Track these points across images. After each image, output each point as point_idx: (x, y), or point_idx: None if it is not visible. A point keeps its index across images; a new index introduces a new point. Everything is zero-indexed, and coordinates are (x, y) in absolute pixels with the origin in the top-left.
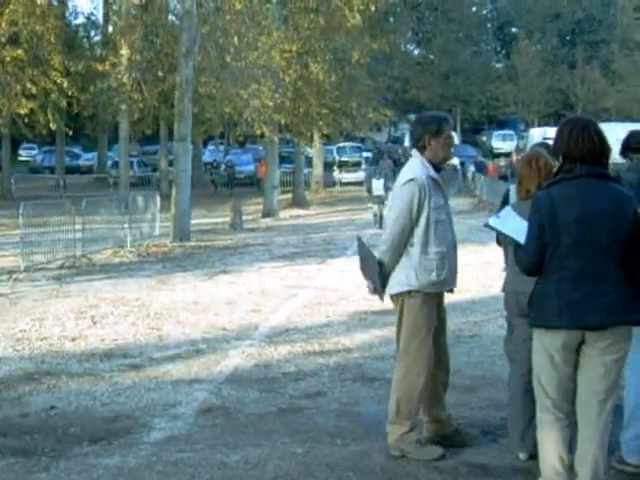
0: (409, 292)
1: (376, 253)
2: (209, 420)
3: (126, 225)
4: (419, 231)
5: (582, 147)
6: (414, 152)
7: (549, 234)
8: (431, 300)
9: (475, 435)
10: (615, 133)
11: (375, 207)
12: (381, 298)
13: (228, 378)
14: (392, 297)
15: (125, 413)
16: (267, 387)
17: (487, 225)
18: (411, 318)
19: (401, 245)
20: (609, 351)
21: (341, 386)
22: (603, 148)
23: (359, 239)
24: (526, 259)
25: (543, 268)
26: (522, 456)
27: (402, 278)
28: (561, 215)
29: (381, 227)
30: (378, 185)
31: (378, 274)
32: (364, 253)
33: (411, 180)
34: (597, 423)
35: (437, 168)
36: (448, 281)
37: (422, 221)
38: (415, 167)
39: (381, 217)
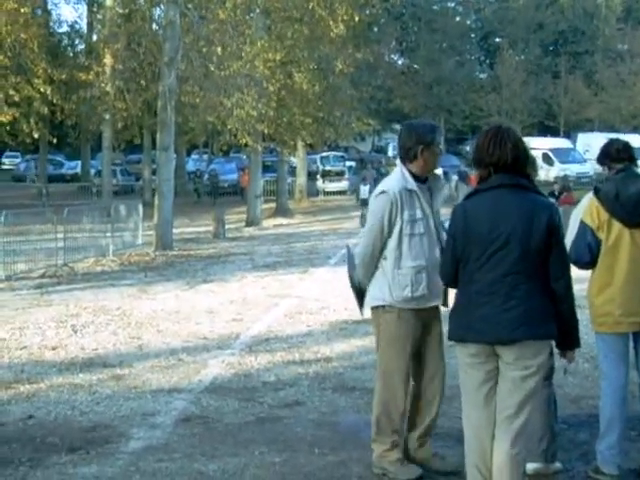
0: (384, 307)
1: None
2: (188, 429)
3: (108, 234)
4: (392, 244)
5: (493, 154)
6: (397, 162)
7: (461, 247)
8: (408, 316)
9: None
10: (598, 143)
11: (362, 210)
12: (360, 311)
13: (207, 387)
14: (371, 311)
15: (104, 422)
16: (246, 396)
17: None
18: (386, 333)
19: (374, 258)
20: (517, 367)
21: (320, 395)
22: (517, 155)
23: (348, 248)
24: (442, 271)
25: (458, 280)
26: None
27: (377, 292)
28: (472, 228)
29: (363, 225)
30: (365, 190)
31: (353, 287)
32: (352, 262)
33: (382, 192)
34: (504, 439)
35: (423, 179)
36: (427, 297)
37: (395, 234)
38: (392, 179)
39: (365, 217)
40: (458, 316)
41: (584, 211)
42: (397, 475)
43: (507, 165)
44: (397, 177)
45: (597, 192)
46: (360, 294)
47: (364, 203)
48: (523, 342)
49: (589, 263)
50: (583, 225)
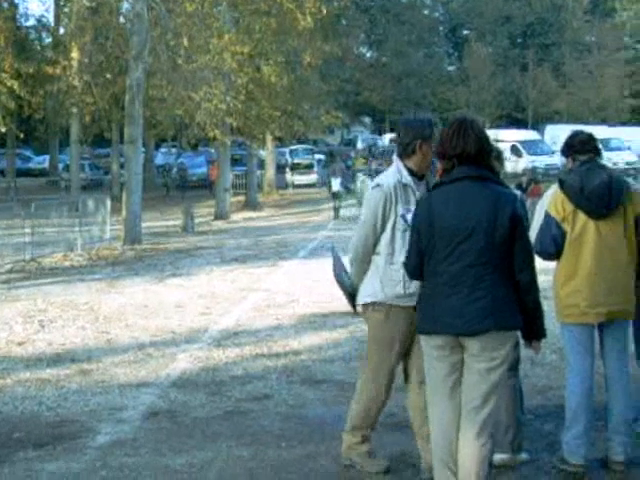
0: (373, 303)
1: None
2: (155, 424)
3: (76, 228)
4: (385, 239)
5: (457, 146)
6: (395, 157)
7: (425, 239)
8: (399, 313)
9: None
10: (566, 135)
11: (335, 202)
12: (352, 309)
13: (175, 382)
14: (361, 307)
15: (71, 418)
16: (214, 390)
17: (402, 216)
18: (374, 332)
19: (367, 253)
20: (482, 358)
21: (288, 389)
22: (481, 147)
23: (334, 250)
24: (407, 263)
25: (423, 273)
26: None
27: (368, 288)
28: (436, 220)
29: (337, 216)
30: (336, 183)
31: (343, 288)
32: (339, 264)
33: (377, 186)
34: (471, 431)
35: (420, 175)
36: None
37: (388, 229)
38: (388, 173)
39: (339, 208)
40: (424, 308)
41: (549, 203)
42: (365, 467)
43: (470, 157)
44: (393, 171)
45: (562, 184)
46: (352, 295)
47: (335, 196)
48: (489, 333)
49: (554, 254)
50: (548, 217)
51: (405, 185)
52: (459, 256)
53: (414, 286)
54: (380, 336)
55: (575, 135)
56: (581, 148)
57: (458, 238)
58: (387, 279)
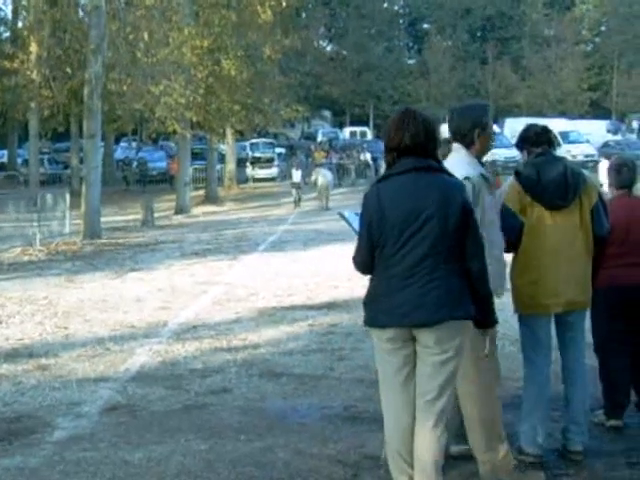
0: None
1: None
2: (113, 418)
3: (35, 223)
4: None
5: (394, 139)
6: (457, 146)
7: (376, 232)
8: None
9: None
10: None
11: (294, 192)
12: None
13: (134, 376)
14: None
15: (28, 413)
16: (173, 384)
17: (339, 213)
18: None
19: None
20: (436, 350)
21: (247, 382)
22: (422, 139)
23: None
24: (357, 258)
25: (374, 266)
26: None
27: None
28: (387, 212)
29: (297, 206)
30: (297, 174)
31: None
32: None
33: (465, 179)
34: (427, 423)
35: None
36: (499, 287)
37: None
38: (464, 163)
39: (299, 200)
40: (376, 302)
41: (506, 195)
42: None
43: (408, 149)
44: (469, 161)
45: (518, 176)
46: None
47: (295, 186)
48: (444, 323)
49: (513, 245)
50: (505, 208)
51: (484, 177)
52: (412, 247)
53: (499, 279)
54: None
55: (529, 128)
56: (536, 140)
57: (411, 229)
58: None
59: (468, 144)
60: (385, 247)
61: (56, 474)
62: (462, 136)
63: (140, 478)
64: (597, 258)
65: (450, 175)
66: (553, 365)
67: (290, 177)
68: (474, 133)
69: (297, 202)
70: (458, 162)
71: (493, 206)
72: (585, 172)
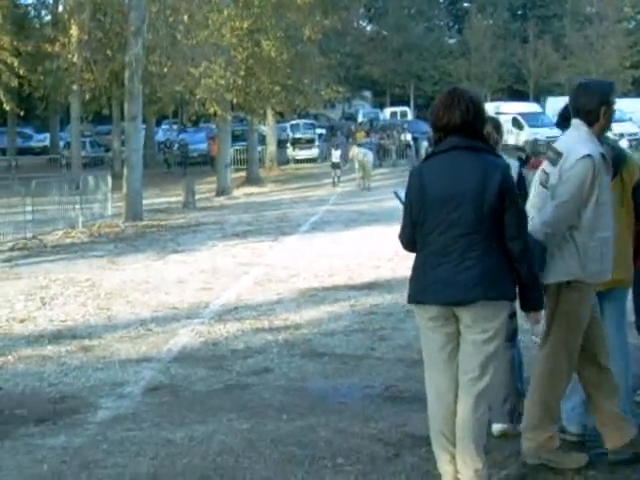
0: (568, 282)
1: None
2: (156, 398)
3: (77, 206)
4: (587, 214)
5: (443, 118)
6: (577, 123)
7: (416, 210)
8: (590, 292)
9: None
10: None
11: (333, 172)
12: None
13: (176, 356)
14: (547, 287)
15: (72, 393)
16: (215, 364)
17: (394, 192)
18: (566, 312)
19: (563, 228)
20: (475, 329)
21: (289, 362)
22: (471, 118)
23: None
24: (401, 235)
25: (417, 244)
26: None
27: (561, 266)
28: (427, 190)
29: (336, 186)
30: (336, 154)
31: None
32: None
33: (588, 156)
34: (468, 401)
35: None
36: (607, 270)
37: (591, 203)
38: (587, 141)
39: (339, 179)
40: (415, 279)
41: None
42: (562, 464)
43: (456, 127)
44: (591, 139)
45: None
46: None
47: (335, 166)
48: (480, 303)
49: None
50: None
51: (603, 156)
52: (448, 226)
53: (606, 262)
54: (575, 317)
55: (568, 107)
56: None
57: (447, 208)
58: (587, 256)
59: (591, 121)
60: (424, 225)
61: (100, 453)
62: (587, 113)
63: (182, 457)
64: (639, 236)
65: (495, 155)
66: None
67: (330, 158)
68: (600, 110)
69: (336, 182)
70: (579, 139)
71: (609, 187)
72: (627, 150)
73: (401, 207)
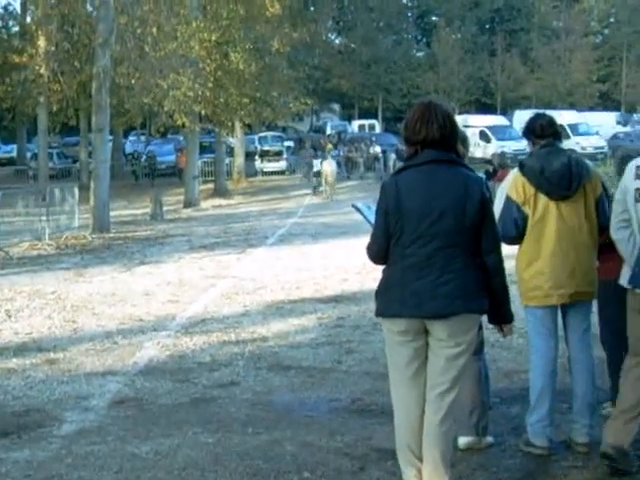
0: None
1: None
2: (121, 412)
3: (44, 217)
4: None
5: (420, 132)
6: None
7: (393, 222)
8: None
9: None
10: None
11: (315, 180)
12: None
13: (142, 369)
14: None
15: (37, 407)
16: (181, 377)
17: (353, 205)
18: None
19: None
20: (449, 343)
21: (255, 375)
22: (446, 132)
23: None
24: (372, 248)
25: (389, 257)
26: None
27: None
28: (405, 203)
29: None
30: (317, 163)
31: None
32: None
33: None
34: (434, 417)
35: None
36: None
37: None
38: None
39: (318, 186)
40: (390, 292)
41: (509, 187)
42: None
43: (435, 142)
44: None
45: (522, 167)
46: None
47: (317, 175)
48: (458, 316)
49: (516, 238)
50: (509, 200)
51: None
52: (429, 239)
53: None
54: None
55: (535, 119)
56: (541, 133)
57: (428, 220)
58: None
59: None
60: (401, 237)
61: (64, 467)
62: None
63: (147, 471)
64: (601, 249)
65: (470, 170)
66: (561, 357)
67: (299, 170)
68: None
69: (316, 188)
70: None
71: None
72: (589, 163)
73: (364, 220)
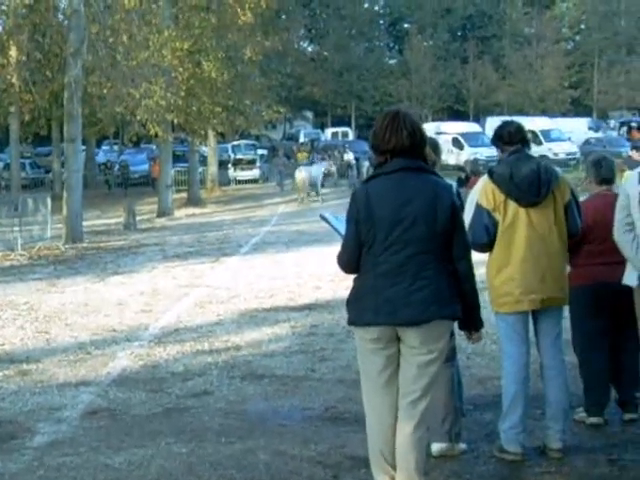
0: None
1: None
2: (94, 422)
3: (16, 228)
4: None
5: (390, 141)
6: None
7: (365, 230)
8: None
9: None
10: None
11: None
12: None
13: (115, 380)
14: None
15: (8, 418)
16: (154, 388)
17: (321, 216)
18: None
19: None
20: (421, 351)
21: (229, 384)
22: (416, 140)
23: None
24: (343, 257)
25: (360, 265)
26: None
27: None
28: (376, 211)
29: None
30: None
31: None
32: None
33: None
34: (409, 423)
35: None
36: None
37: None
38: None
39: (307, 195)
40: (362, 300)
41: (479, 193)
42: None
43: (404, 150)
44: None
45: (492, 174)
46: None
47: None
48: (430, 323)
49: (486, 244)
50: (479, 207)
51: None
52: (401, 246)
53: None
54: None
55: (503, 126)
56: (509, 140)
57: (400, 228)
58: None
59: None
60: (373, 245)
61: (36, 479)
62: None
63: None
64: (571, 255)
65: (439, 177)
66: (533, 363)
67: (272, 178)
68: None
69: (303, 199)
70: None
71: None
72: (558, 170)
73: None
